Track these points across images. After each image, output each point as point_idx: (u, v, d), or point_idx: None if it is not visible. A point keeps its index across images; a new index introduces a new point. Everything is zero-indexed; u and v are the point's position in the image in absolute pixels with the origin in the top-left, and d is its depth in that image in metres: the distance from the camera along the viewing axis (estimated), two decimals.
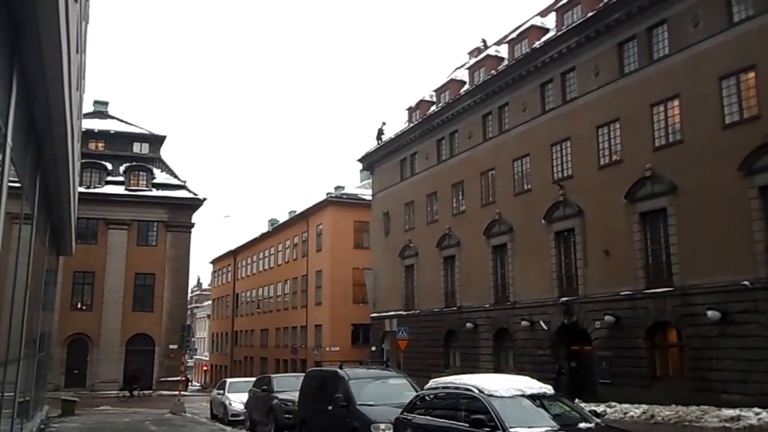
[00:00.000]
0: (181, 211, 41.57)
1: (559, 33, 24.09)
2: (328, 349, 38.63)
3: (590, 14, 22.56)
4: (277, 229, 52.16)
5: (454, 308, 29.15)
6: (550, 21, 26.91)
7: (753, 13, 17.38)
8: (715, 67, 18.10)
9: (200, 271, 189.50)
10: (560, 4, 25.80)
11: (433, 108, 33.05)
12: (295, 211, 49.77)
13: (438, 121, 31.62)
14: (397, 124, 37.63)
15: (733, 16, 17.96)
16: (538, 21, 27.68)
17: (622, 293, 20.39)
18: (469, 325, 27.55)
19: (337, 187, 45.87)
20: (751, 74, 17.28)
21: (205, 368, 70.99)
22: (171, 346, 37.84)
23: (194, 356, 76.06)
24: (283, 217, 54.01)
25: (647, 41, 20.59)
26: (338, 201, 42.36)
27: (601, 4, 22.69)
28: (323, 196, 43.03)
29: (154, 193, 40.94)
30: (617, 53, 21.65)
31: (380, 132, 37.27)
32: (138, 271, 39.70)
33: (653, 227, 20.10)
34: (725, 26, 18.04)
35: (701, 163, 18.30)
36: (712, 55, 18.25)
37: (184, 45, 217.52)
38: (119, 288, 38.82)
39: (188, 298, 53.30)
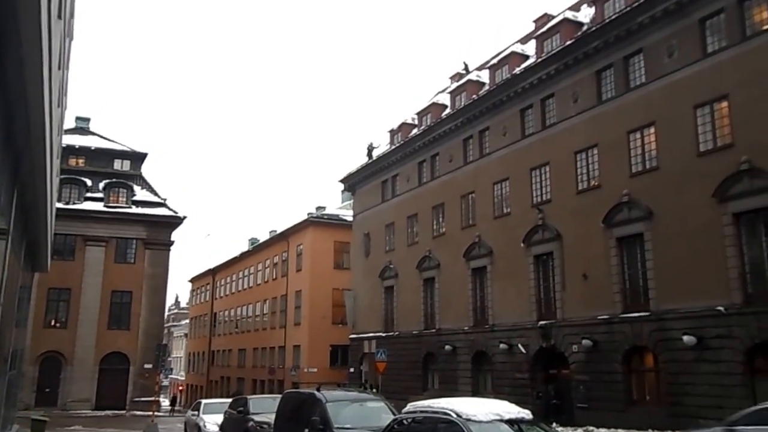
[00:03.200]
0: (161, 228, 41.26)
1: (539, 60, 24.53)
2: (306, 370, 38.33)
3: (569, 42, 23.07)
4: (257, 249, 51.90)
5: (433, 330, 29.14)
6: (530, 48, 27.40)
7: (726, 44, 17.88)
8: (690, 96, 18.54)
9: (179, 290, 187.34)
10: (540, 32, 26.32)
11: (415, 131, 33.34)
12: (275, 231, 49.60)
13: (419, 144, 31.88)
14: (379, 145, 37.81)
15: (707, 47, 18.45)
16: (518, 48, 28.16)
17: (599, 317, 20.55)
18: (448, 347, 27.53)
19: (319, 208, 45.86)
20: (725, 103, 17.72)
21: (180, 388, 69.90)
22: (146, 366, 37.25)
23: (170, 376, 74.83)
24: (263, 237, 53.78)
25: (624, 69, 21.05)
26: (319, 221, 42.33)
27: (579, 33, 23.24)
28: (304, 216, 42.97)
29: (134, 210, 40.61)
30: (595, 81, 22.08)
31: (370, 150, 37.22)
32: (115, 289, 39.20)
33: (630, 252, 20.35)
34: (699, 56, 18.52)
35: (677, 189, 18.64)
36: (687, 84, 18.71)
37: (168, 63, 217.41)
38: (95, 305, 38.26)
39: (165, 317, 52.66)
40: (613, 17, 21.11)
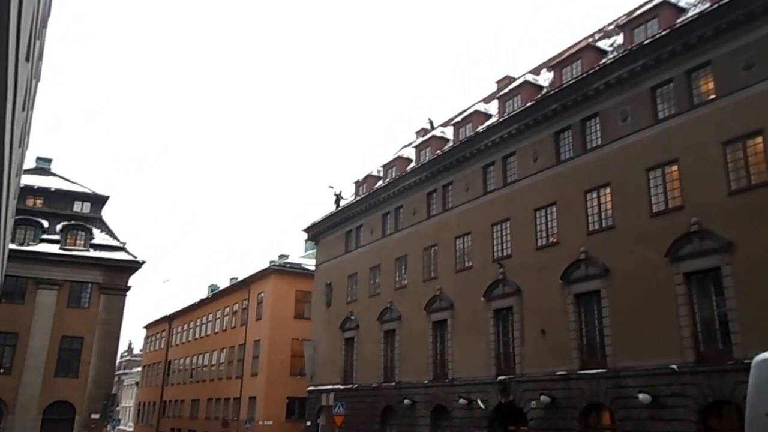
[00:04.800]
0: (118, 273, 40.26)
1: (501, 119, 25.30)
2: (261, 422, 37.32)
3: (529, 104, 23.92)
4: (216, 296, 51.05)
5: (393, 384, 28.84)
6: (492, 107, 28.29)
7: (675, 111, 18.80)
8: (643, 159, 19.31)
9: (133, 336, 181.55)
10: (502, 92, 27.26)
11: (380, 183, 33.74)
12: (236, 278, 48.97)
13: (384, 196, 32.23)
14: (345, 198, 38.07)
15: (658, 113, 19.35)
16: (481, 107, 29.06)
17: (557, 373, 20.67)
18: (407, 401, 27.22)
19: (281, 256, 45.60)
20: (675, 167, 18.47)
21: None
22: (93, 416, 35.72)
23: (117, 427, 71.81)
24: (224, 284, 52.98)
25: (581, 132, 21.86)
26: (281, 270, 42.03)
27: (539, 96, 24.17)
28: (266, 264, 42.61)
29: (91, 253, 39.62)
30: (554, 141, 22.84)
31: (338, 198, 37.33)
32: (65, 334, 37.75)
33: (587, 308, 20.69)
34: (651, 122, 19.39)
35: (632, 248, 19.17)
36: (640, 147, 19.52)
37: (135, 107, 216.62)
38: (43, 351, 36.73)
39: (117, 364, 50.88)
40: (571, 82, 22.07)
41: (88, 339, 38.19)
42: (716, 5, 17.66)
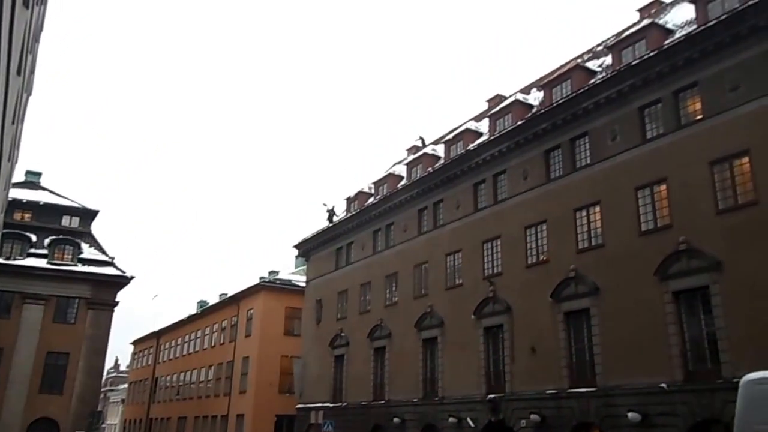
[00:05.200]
0: (106, 288, 39.93)
1: (492, 138, 25.46)
2: None
3: (519, 123, 24.11)
4: (206, 312, 50.68)
5: (383, 402, 28.65)
6: (483, 126, 28.49)
7: (663, 131, 19.00)
8: (632, 178, 19.47)
9: (120, 352, 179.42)
10: (493, 111, 27.47)
11: (371, 200, 33.79)
12: (226, 294, 48.70)
13: (375, 213, 32.25)
14: (336, 212, 38.04)
15: (646, 133, 19.56)
16: (472, 125, 29.27)
17: (547, 392, 20.61)
18: (396, 420, 27.03)
19: (271, 272, 45.43)
20: (663, 186, 18.63)
21: None
22: None
23: None
24: (213, 300, 52.67)
25: (571, 150, 22.03)
26: (271, 286, 41.84)
27: (529, 114, 24.39)
28: (256, 281, 42.42)
29: (79, 268, 39.30)
30: (544, 160, 22.99)
31: (331, 214, 37.20)
32: (51, 350, 37.29)
33: (577, 327, 20.69)
34: (639, 141, 19.58)
35: (621, 266, 19.25)
36: (629, 166, 19.68)
37: (128, 120, 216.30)
38: (27, 367, 36.23)
39: (103, 381, 50.28)
40: (561, 101, 22.28)
41: (74, 355, 37.77)
42: (702, 28, 17.95)
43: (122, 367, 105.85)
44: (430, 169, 29.39)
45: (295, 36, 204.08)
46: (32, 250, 38.72)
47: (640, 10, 25.98)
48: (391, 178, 33.34)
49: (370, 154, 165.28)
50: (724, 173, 17.19)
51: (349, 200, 36.63)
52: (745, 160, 16.76)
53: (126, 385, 75.36)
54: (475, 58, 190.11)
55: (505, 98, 29.28)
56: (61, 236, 40.17)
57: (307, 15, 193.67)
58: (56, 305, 38.35)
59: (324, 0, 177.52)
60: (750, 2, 16.87)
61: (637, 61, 19.71)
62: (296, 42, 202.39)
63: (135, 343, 67.52)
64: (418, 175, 30.11)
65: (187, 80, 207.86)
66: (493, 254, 24.56)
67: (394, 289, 30.10)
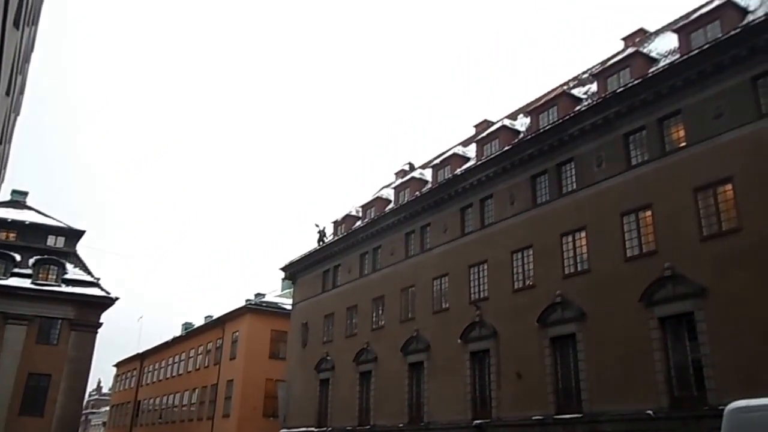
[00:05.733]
0: (90, 309, 39.51)
1: (479, 163, 25.64)
2: None
3: (506, 148, 24.30)
4: (191, 334, 50.20)
5: (368, 427, 28.33)
6: (471, 151, 28.67)
7: (648, 158, 19.22)
8: (617, 204, 19.62)
9: (103, 374, 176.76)
10: (480, 136, 27.71)
11: (359, 223, 33.80)
12: (211, 316, 48.29)
13: (362, 236, 32.24)
14: (327, 233, 37.96)
15: (631, 159, 19.78)
16: (460, 150, 29.46)
17: (533, 418, 20.46)
18: None
19: (258, 295, 45.16)
20: (648, 212, 18.78)
21: None
22: None
23: None
24: (198, 322, 52.18)
25: (557, 176, 22.20)
26: (257, 309, 41.56)
27: (516, 140, 24.62)
28: (242, 303, 42.13)
29: (63, 288, 38.91)
30: (530, 185, 23.14)
31: (321, 235, 37.04)
32: (33, 371, 36.70)
33: (563, 352, 20.64)
34: (624, 168, 19.78)
35: (607, 292, 19.29)
36: (614, 192, 19.85)
37: (116, 140, 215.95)
38: (7, 389, 35.59)
39: (85, 403, 49.45)
40: (547, 128, 22.51)
41: (56, 377, 37.21)
42: (686, 57, 18.29)
43: (105, 390, 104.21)
44: (417, 193, 29.49)
45: (284, 57, 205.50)
46: (16, 270, 38.35)
47: (624, 39, 26.46)
48: (378, 201, 33.42)
49: (358, 178, 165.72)
50: (708, 200, 17.37)
51: (337, 223, 36.61)
52: (729, 187, 16.96)
53: (108, 408, 74.17)
54: (464, 84, 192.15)
55: (493, 124, 29.59)
56: (45, 256, 39.82)
57: (298, 36, 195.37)
58: (39, 326, 37.90)
59: (316, 22, 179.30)
60: (731, 33, 17.25)
61: (622, 89, 20.01)
62: (286, 64, 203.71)
63: (118, 365, 66.61)
64: (406, 199, 30.20)
65: (156, 108, 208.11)
66: (479, 279, 24.57)
67: (380, 312, 29.98)
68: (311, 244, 37.47)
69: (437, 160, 30.48)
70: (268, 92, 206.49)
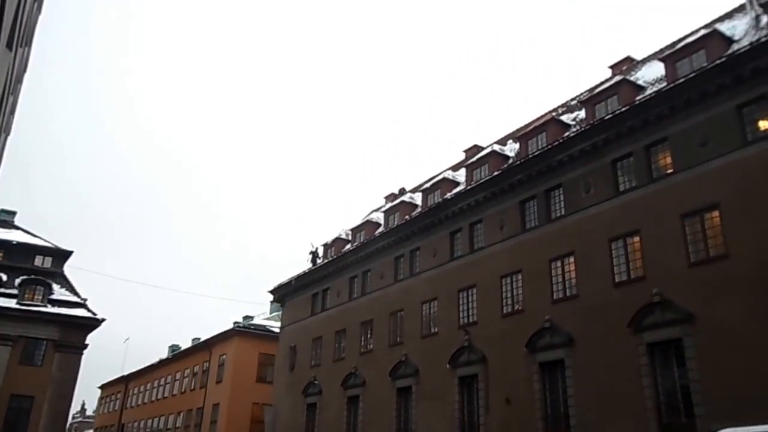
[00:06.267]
0: (76, 330, 38.96)
1: (468, 187, 25.75)
2: None
3: (496, 173, 24.45)
4: (177, 356, 49.66)
5: None
6: (460, 175, 28.80)
7: (635, 184, 19.38)
8: (605, 230, 19.71)
9: (87, 396, 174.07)
10: (470, 161, 27.86)
11: (348, 246, 33.76)
12: (199, 339, 47.82)
13: (352, 260, 32.17)
14: (320, 255, 37.82)
15: (619, 185, 19.94)
16: (449, 174, 29.59)
17: None
18: None
19: (246, 317, 44.82)
20: (636, 238, 18.88)
21: None
22: None
23: None
24: (186, 344, 51.65)
25: (546, 201, 22.31)
26: (245, 331, 41.21)
27: (506, 165, 24.77)
28: (230, 325, 41.78)
29: (49, 309, 38.39)
30: (519, 210, 23.23)
31: (314, 255, 36.89)
32: (15, 393, 35.99)
33: (552, 378, 20.55)
34: (612, 194, 19.93)
35: (596, 318, 19.27)
36: (602, 218, 19.96)
37: (104, 163, 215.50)
38: None
39: (68, 426, 48.61)
40: (536, 153, 22.69)
41: (39, 399, 36.55)
42: (672, 85, 18.56)
43: (89, 412, 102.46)
44: (407, 217, 29.54)
45: (273, 76, 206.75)
46: (2, 290, 37.83)
47: (611, 67, 26.85)
48: (368, 225, 33.43)
49: (348, 201, 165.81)
50: (695, 226, 17.49)
51: (326, 247, 36.54)
52: (716, 213, 17.09)
53: (92, 431, 72.95)
54: (455, 108, 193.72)
55: (482, 149, 29.76)
56: (32, 276, 39.40)
57: (280, 59, 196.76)
58: (24, 346, 37.32)
59: (304, 44, 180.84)
60: (716, 62, 17.55)
61: (609, 116, 20.24)
62: (274, 83, 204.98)
63: (103, 387, 65.72)
64: (396, 223, 30.23)
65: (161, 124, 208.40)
66: (468, 303, 24.52)
67: (369, 336, 29.80)
68: (300, 266, 37.38)
69: (427, 184, 30.59)
70: (256, 115, 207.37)
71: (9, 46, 12.20)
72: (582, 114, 23.40)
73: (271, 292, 39.40)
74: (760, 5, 19.14)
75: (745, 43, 17.70)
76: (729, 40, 18.95)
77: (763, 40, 16.59)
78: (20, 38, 16.21)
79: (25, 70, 26.74)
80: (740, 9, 20.83)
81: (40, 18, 24.47)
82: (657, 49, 24.54)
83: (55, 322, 38.11)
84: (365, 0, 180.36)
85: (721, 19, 21.64)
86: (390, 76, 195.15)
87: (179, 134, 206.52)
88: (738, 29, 19.37)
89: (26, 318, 37.31)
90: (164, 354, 54.56)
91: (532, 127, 25.14)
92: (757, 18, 18.92)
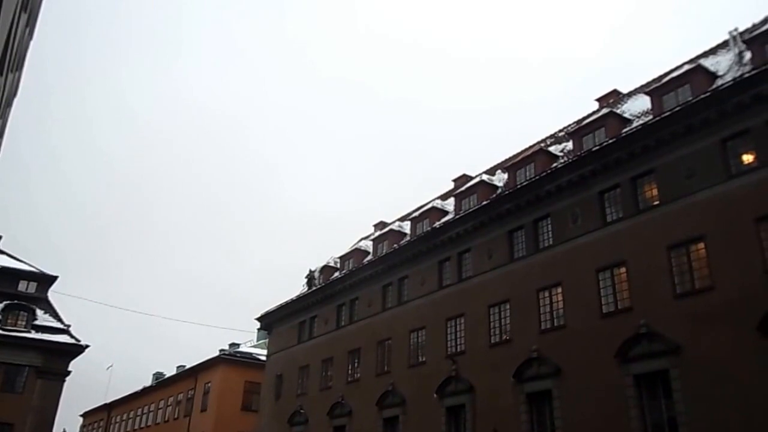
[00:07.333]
0: (59, 357, 38.33)
1: (457, 217, 25.81)
2: None
3: (484, 203, 24.57)
4: (161, 384, 48.90)
5: None
6: (449, 204, 28.90)
7: (622, 215, 19.54)
8: (592, 260, 19.79)
9: (68, 424, 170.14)
10: (459, 190, 27.98)
11: (337, 274, 33.62)
12: (184, 366, 47.16)
13: (340, 287, 32.00)
14: (297, 287, 37.65)
15: (606, 216, 20.09)
16: (438, 203, 29.69)
17: None
18: None
19: (232, 345, 44.32)
20: (623, 269, 18.97)
21: None
22: None
23: None
24: (170, 372, 50.90)
25: (534, 231, 22.39)
26: (231, 359, 40.75)
27: (494, 195, 24.91)
28: (216, 353, 41.28)
29: (32, 335, 37.77)
30: (507, 240, 23.29)
31: (311, 278, 36.44)
32: None
33: (539, 408, 20.42)
34: (599, 225, 20.06)
35: (583, 348, 19.24)
36: (590, 249, 20.05)
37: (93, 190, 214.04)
38: None
39: None
40: (524, 184, 22.84)
41: (19, 426, 35.76)
42: (658, 118, 18.84)
43: None
44: (395, 245, 29.51)
45: (268, 102, 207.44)
46: None
47: (598, 100, 27.24)
48: (356, 253, 33.36)
49: (337, 228, 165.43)
50: (681, 258, 17.61)
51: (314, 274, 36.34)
52: (701, 245, 17.22)
53: None
54: (445, 138, 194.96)
55: (471, 178, 29.92)
56: (15, 301, 38.86)
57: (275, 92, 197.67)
58: (4, 373, 36.65)
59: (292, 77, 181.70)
60: (701, 96, 17.87)
61: (596, 148, 20.48)
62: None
63: (85, 415, 64.42)
64: (384, 251, 30.19)
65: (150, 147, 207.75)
66: (456, 332, 24.40)
67: (356, 365, 29.53)
68: (288, 294, 37.14)
69: (416, 213, 30.65)
70: (246, 134, 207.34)
71: (0, 71, 12.23)
72: (570, 145, 23.65)
73: (258, 319, 39.01)
74: (743, 42, 19.58)
75: (728, 78, 18.07)
76: (713, 75, 19.34)
77: (746, 75, 16.95)
78: (11, 63, 16.27)
79: (15, 94, 26.77)
80: (723, 45, 21.31)
81: (32, 43, 24.57)
82: (643, 82, 24.96)
83: (37, 348, 37.51)
84: (334, 42, 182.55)
85: (705, 54, 22.09)
86: (383, 98, 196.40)
87: (169, 151, 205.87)
88: (722, 65, 19.79)
89: (8, 344, 36.68)
90: (148, 381, 53.69)
91: (520, 157, 25.36)
92: (740, 54, 19.37)
